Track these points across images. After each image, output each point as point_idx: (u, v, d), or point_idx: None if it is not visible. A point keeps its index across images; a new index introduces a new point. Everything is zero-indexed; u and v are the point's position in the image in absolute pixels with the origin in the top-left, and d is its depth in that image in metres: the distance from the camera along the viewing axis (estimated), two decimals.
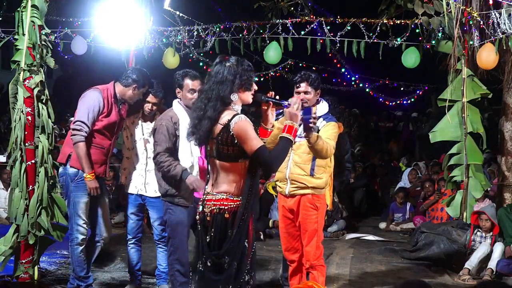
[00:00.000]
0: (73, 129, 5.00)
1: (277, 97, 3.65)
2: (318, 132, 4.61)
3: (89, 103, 5.04)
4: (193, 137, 3.54)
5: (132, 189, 5.45)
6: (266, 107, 3.66)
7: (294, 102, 3.60)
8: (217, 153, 3.49)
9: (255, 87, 3.58)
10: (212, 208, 3.48)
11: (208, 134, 3.47)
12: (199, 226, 3.56)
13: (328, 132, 4.66)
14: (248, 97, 3.56)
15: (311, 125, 4.27)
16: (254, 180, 3.49)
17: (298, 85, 4.74)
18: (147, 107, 5.37)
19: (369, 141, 15.04)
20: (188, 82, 4.89)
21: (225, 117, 3.43)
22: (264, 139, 3.66)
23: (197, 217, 3.57)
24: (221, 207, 3.46)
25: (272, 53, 7.31)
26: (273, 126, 3.74)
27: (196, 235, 5.14)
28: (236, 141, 3.41)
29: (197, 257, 3.55)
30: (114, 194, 8.69)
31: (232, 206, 3.45)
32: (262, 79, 11.76)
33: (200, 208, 3.55)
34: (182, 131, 4.77)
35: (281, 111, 4.38)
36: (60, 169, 5.23)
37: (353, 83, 14.00)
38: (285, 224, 4.88)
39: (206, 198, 3.53)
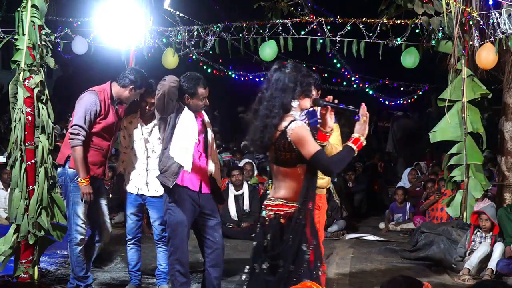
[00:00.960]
0: (71, 133, 4.99)
1: (336, 101, 3.68)
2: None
3: (86, 106, 5.02)
4: (258, 145, 3.59)
5: (132, 189, 5.45)
6: (324, 112, 3.69)
7: (362, 113, 3.61)
8: (275, 159, 3.57)
9: (314, 92, 3.64)
10: (269, 213, 3.57)
11: (271, 141, 3.53)
12: (258, 230, 3.65)
13: (334, 136, 4.67)
14: (307, 103, 3.62)
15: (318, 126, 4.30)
16: (311, 185, 3.55)
17: None
18: (146, 106, 5.36)
19: (369, 141, 15.04)
20: (201, 90, 4.87)
21: (283, 123, 3.50)
22: (323, 143, 3.70)
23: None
24: (277, 212, 3.55)
25: (269, 50, 7.30)
26: (331, 130, 3.75)
27: (197, 235, 5.16)
28: (294, 147, 3.48)
29: (253, 260, 3.61)
30: (115, 194, 8.69)
31: (288, 211, 3.53)
32: (262, 79, 11.77)
33: (262, 212, 3.65)
34: (181, 126, 4.77)
35: None
36: (59, 170, 5.23)
37: (353, 83, 14.00)
38: None
39: (266, 203, 3.62)
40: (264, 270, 3.52)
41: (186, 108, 4.83)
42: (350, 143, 3.55)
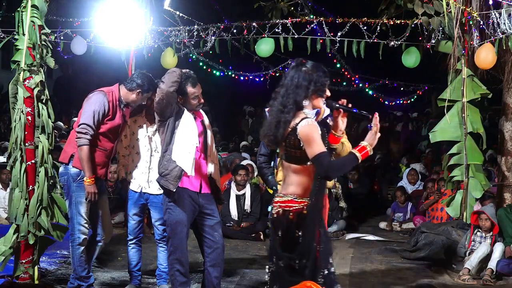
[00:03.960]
0: (78, 132, 4.98)
1: (349, 105, 3.69)
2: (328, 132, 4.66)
3: (95, 106, 5.01)
4: (271, 140, 3.61)
5: (135, 187, 5.45)
6: (337, 114, 3.71)
7: (374, 123, 3.61)
8: (286, 156, 3.59)
9: (328, 93, 3.65)
10: (278, 209, 3.58)
11: (282, 137, 3.55)
12: (270, 227, 3.71)
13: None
14: (319, 103, 3.63)
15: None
16: (323, 183, 3.57)
17: None
18: (151, 104, 5.35)
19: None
20: (191, 89, 4.87)
21: (295, 120, 3.52)
22: (334, 145, 3.73)
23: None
24: (286, 208, 3.55)
25: (264, 46, 7.29)
26: (343, 133, 3.76)
27: (197, 235, 5.15)
28: (302, 144, 3.49)
29: (270, 258, 3.64)
30: (116, 194, 8.69)
31: (296, 207, 3.54)
32: (262, 79, 11.77)
33: (271, 209, 3.67)
34: (182, 129, 4.78)
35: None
36: (61, 169, 5.22)
37: (353, 83, 14.00)
38: None
39: (274, 200, 3.64)
40: (282, 267, 3.56)
41: (185, 111, 4.83)
42: (355, 151, 3.54)
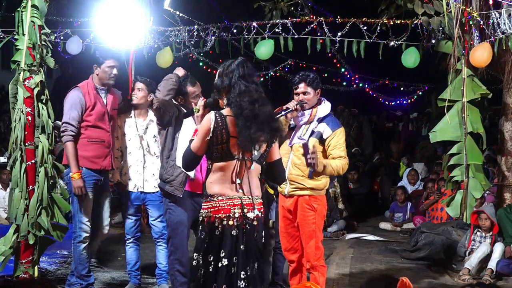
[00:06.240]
0: (61, 131, 5.19)
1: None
2: (322, 137, 4.62)
3: (70, 102, 5.27)
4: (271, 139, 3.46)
5: (130, 187, 5.47)
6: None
7: (314, 161, 3.81)
8: (261, 156, 3.49)
9: None
10: (257, 213, 3.48)
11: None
12: (234, 232, 3.44)
13: (340, 144, 4.65)
14: None
15: (310, 161, 4.25)
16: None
17: (296, 86, 4.74)
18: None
19: (369, 141, 15.04)
20: (191, 89, 4.90)
21: None
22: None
23: (232, 222, 3.45)
24: (260, 210, 3.51)
25: (264, 49, 7.29)
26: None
27: (197, 235, 5.14)
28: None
29: (244, 262, 3.43)
30: (115, 194, 8.67)
31: (264, 209, 3.54)
32: (262, 79, 11.77)
33: (233, 213, 3.46)
34: (184, 134, 4.78)
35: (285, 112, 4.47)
36: (66, 169, 5.35)
37: (353, 83, 14.00)
38: (284, 224, 4.89)
39: (245, 203, 3.46)
40: (256, 271, 3.44)
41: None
42: None
